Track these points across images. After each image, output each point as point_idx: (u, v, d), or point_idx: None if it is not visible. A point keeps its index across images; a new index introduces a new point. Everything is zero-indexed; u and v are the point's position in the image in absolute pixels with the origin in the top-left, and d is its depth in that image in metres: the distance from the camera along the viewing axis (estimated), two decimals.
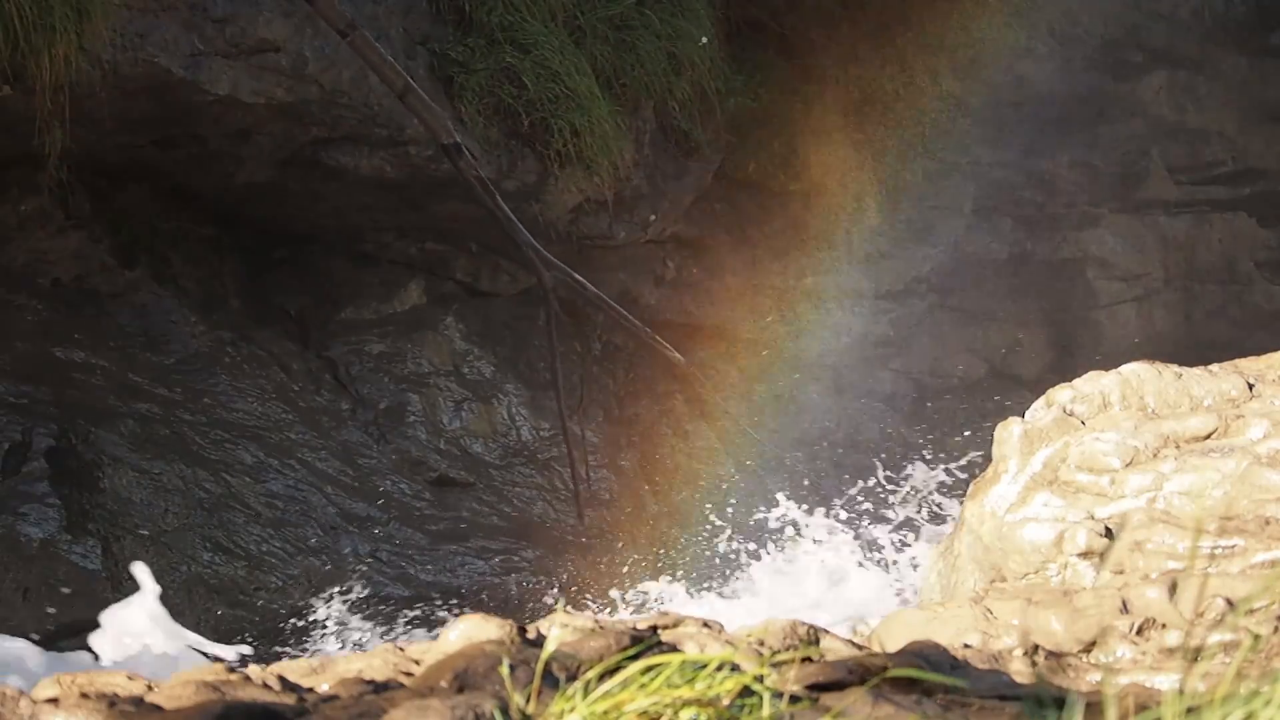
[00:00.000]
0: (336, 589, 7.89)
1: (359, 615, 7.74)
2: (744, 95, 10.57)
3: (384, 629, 7.64)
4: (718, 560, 8.55)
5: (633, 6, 9.58)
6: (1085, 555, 4.01)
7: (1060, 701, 2.13)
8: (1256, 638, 3.25)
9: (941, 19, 11.25)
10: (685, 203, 10.34)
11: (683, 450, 10.05)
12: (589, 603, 8.28)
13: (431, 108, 8.14)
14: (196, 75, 7.58)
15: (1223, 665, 3.24)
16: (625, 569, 8.68)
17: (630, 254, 10.25)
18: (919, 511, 8.57)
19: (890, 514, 8.55)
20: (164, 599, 6.72)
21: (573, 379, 9.35)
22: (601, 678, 2.25)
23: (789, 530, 8.35)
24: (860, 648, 3.03)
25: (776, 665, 2.65)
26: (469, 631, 2.65)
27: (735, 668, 2.30)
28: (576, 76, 8.98)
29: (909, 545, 7.73)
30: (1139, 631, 3.44)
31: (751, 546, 8.48)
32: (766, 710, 2.26)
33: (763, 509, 8.68)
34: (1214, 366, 4.50)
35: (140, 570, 6.62)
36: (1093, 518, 4.09)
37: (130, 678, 2.59)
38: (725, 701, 2.22)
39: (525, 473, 9.27)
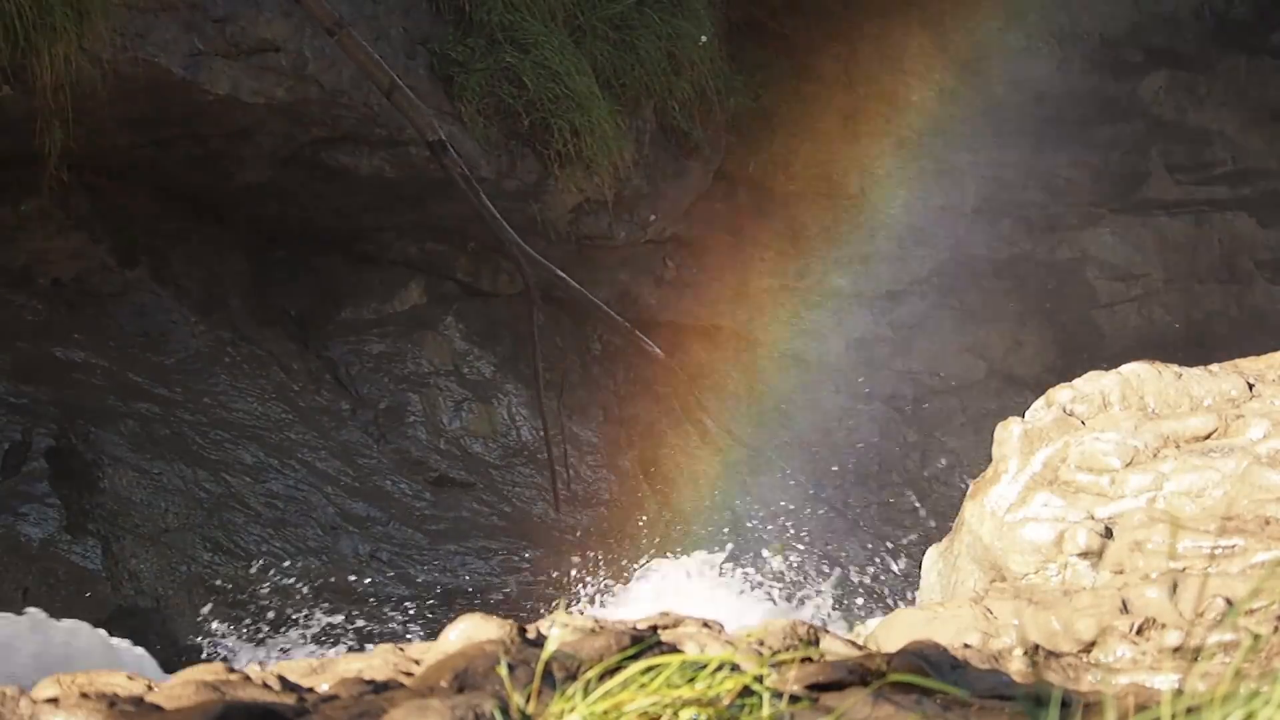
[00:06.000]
0: (336, 589, 7.88)
1: (359, 615, 7.74)
2: (744, 95, 10.57)
3: (384, 629, 7.64)
4: (715, 558, 8.54)
5: (633, 6, 9.58)
6: (1085, 555, 4.01)
7: (1060, 701, 2.13)
8: (1256, 638, 3.25)
9: (941, 19, 11.25)
10: (685, 203, 10.34)
11: (682, 450, 10.04)
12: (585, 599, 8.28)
13: (417, 105, 8.14)
14: (196, 75, 7.58)
15: (1223, 665, 3.24)
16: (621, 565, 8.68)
17: (630, 254, 10.24)
18: (917, 511, 8.57)
19: (888, 514, 8.55)
20: (164, 599, 6.72)
21: (571, 378, 9.34)
22: (601, 678, 2.25)
23: (787, 529, 8.35)
24: (860, 648, 3.02)
25: (776, 665, 2.65)
26: (469, 631, 2.65)
27: (735, 668, 2.30)
28: (576, 76, 8.98)
29: (907, 545, 7.73)
30: (1139, 631, 3.44)
31: (749, 545, 8.47)
32: (766, 710, 2.26)
33: (761, 509, 8.67)
34: (1214, 366, 4.50)
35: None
36: (1093, 518, 4.09)
37: (130, 678, 2.59)
38: (725, 701, 2.22)
39: (525, 473, 9.27)
